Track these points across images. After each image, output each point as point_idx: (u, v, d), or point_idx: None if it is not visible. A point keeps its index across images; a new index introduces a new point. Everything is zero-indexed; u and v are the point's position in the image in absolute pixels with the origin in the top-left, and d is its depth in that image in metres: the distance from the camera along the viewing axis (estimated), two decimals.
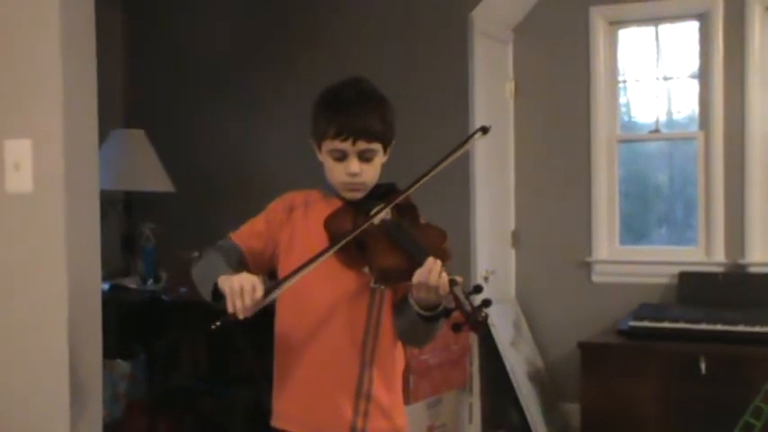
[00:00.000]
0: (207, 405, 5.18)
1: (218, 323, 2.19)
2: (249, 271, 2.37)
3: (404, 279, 2.21)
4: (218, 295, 2.26)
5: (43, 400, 2.99)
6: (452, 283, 2.14)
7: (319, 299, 2.35)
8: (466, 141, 2.39)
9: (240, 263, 2.41)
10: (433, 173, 2.32)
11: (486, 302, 2.11)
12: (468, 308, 2.10)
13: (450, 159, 2.34)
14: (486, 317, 2.10)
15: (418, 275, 2.17)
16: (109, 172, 5.14)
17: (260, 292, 2.17)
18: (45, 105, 2.96)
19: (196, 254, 5.22)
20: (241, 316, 2.17)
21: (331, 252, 2.25)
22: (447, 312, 2.19)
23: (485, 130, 2.36)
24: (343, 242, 2.25)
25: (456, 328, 2.14)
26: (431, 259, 2.17)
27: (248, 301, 2.16)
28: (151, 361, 5.21)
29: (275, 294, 2.22)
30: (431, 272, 2.15)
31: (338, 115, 2.34)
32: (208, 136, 6.10)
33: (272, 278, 2.53)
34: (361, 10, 5.74)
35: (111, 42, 6.01)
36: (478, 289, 2.15)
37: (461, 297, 2.12)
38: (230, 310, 2.18)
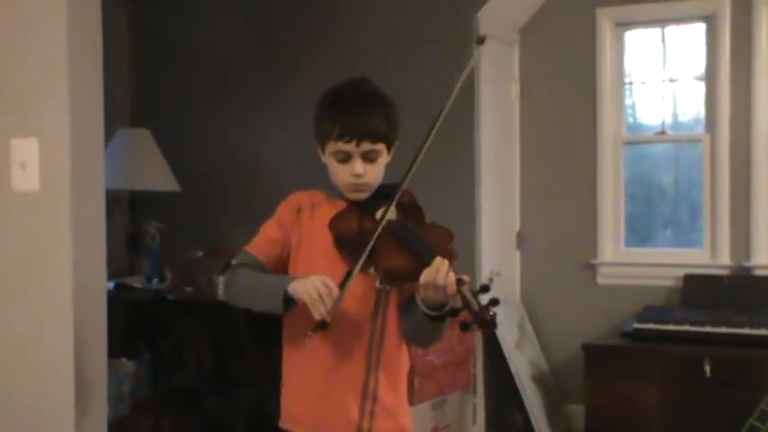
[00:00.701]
0: (212, 404, 5.18)
1: (310, 333, 2.24)
2: None
3: (410, 280, 2.21)
4: (287, 302, 2.28)
5: (48, 399, 3.00)
6: (460, 282, 2.13)
7: None
8: (464, 73, 2.35)
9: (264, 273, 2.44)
10: (442, 116, 2.32)
11: (494, 301, 2.11)
12: (476, 307, 2.10)
13: (456, 90, 2.33)
14: (495, 315, 2.10)
15: (426, 275, 2.16)
16: (114, 171, 5.14)
17: (336, 290, 2.20)
18: (51, 105, 2.97)
19: (200, 253, 5.26)
20: (328, 319, 2.20)
21: (367, 251, 2.25)
22: (454, 312, 2.18)
23: (481, 40, 2.37)
24: (370, 245, 2.24)
25: (464, 327, 2.14)
26: (438, 259, 2.16)
27: (330, 303, 2.19)
28: (156, 360, 5.22)
29: (349, 285, 2.23)
30: (438, 271, 2.15)
31: (342, 116, 2.33)
32: (213, 135, 6.10)
33: None
34: (365, 11, 5.74)
35: (117, 42, 6.02)
36: (486, 288, 2.15)
37: (469, 296, 2.12)
38: (317, 317, 2.20)
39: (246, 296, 2.41)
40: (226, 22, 6.15)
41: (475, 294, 2.13)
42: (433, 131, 2.32)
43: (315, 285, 2.20)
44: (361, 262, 2.24)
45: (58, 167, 2.95)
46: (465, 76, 2.35)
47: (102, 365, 3.13)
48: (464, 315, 2.15)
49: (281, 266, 2.44)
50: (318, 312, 2.19)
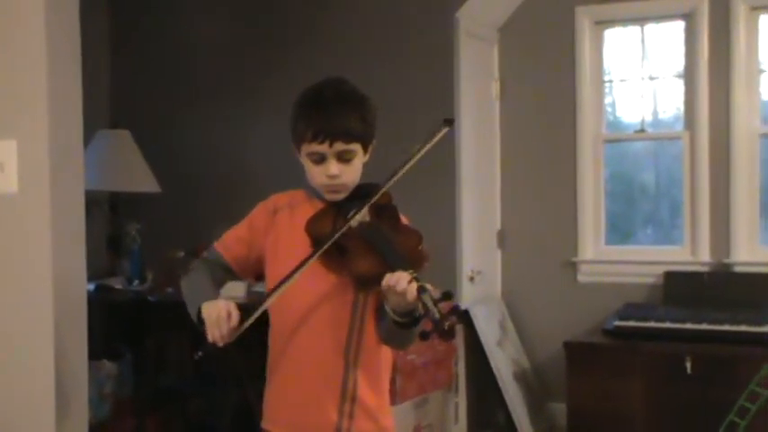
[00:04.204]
0: (194, 405, 5.17)
1: (200, 353, 2.25)
2: (236, 278, 2.46)
3: (379, 284, 2.17)
4: (201, 320, 2.29)
5: (28, 401, 2.99)
6: (421, 290, 2.09)
7: (302, 300, 2.33)
8: (432, 137, 2.33)
9: (226, 271, 2.47)
10: (401, 172, 2.30)
11: (455, 310, 2.07)
12: (436, 316, 2.04)
13: (416, 158, 2.32)
14: (454, 325, 2.04)
15: (386, 280, 2.14)
16: (95, 172, 5.13)
17: (235, 320, 2.21)
18: (30, 106, 2.95)
19: (182, 254, 5.25)
20: (220, 344, 2.22)
21: (310, 262, 2.24)
22: (416, 320, 2.16)
23: (449, 122, 2.36)
24: (323, 249, 2.24)
25: (424, 335, 2.11)
26: (401, 272, 2.13)
27: (225, 329, 2.21)
28: (137, 361, 5.20)
29: (252, 319, 2.24)
30: (399, 279, 2.12)
31: (315, 117, 2.31)
32: (193, 136, 6.09)
33: (259, 281, 2.55)
34: (347, 10, 5.74)
35: (97, 43, 5.99)
36: (448, 296, 2.10)
37: (430, 305, 2.06)
38: (209, 339, 2.22)
39: (185, 298, 2.42)
40: (206, 24, 6.14)
41: (436, 302, 2.06)
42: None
43: (218, 309, 2.22)
44: (294, 276, 2.23)
45: (37, 169, 2.94)
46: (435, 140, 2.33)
47: (82, 367, 3.12)
48: (425, 323, 2.11)
49: (247, 266, 2.47)
50: (212, 335, 2.21)
